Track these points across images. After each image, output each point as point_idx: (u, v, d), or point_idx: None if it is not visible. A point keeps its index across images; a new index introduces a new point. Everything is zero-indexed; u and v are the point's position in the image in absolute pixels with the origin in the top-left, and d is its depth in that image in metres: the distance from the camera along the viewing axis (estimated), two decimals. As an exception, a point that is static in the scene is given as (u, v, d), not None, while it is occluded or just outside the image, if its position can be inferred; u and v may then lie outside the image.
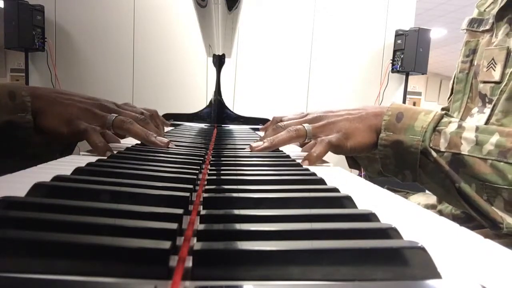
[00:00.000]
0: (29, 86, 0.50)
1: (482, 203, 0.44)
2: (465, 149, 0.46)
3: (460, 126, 0.47)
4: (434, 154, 0.47)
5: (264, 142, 0.55)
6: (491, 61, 0.58)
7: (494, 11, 0.61)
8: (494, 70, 0.57)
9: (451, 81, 0.73)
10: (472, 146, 0.45)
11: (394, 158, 0.51)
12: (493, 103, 0.56)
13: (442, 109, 0.80)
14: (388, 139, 0.50)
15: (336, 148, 0.53)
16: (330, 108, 0.60)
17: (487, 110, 0.57)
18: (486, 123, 0.56)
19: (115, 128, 0.52)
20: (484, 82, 0.59)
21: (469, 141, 0.46)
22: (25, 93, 0.48)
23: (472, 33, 0.67)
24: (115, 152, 0.47)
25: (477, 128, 0.46)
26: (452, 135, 0.47)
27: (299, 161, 0.48)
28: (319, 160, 0.51)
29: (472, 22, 0.68)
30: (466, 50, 0.68)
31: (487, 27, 0.63)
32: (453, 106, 0.69)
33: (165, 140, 0.53)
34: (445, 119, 0.49)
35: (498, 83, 0.56)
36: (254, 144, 0.55)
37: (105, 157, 0.43)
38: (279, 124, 0.59)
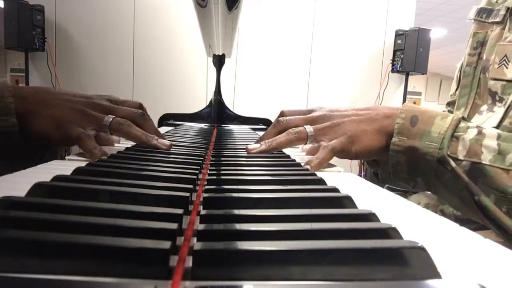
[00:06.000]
0: (14, 86, 0.46)
1: (501, 217, 0.41)
2: (486, 158, 0.42)
3: (480, 133, 0.44)
4: (452, 163, 0.43)
5: (261, 145, 0.51)
6: (503, 57, 0.55)
7: (508, 4, 0.59)
8: (507, 68, 0.54)
9: (457, 73, 0.70)
10: (494, 155, 0.42)
11: (407, 165, 0.47)
12: (505, 104, 0.53)
13: (448, 103, 0.76)
14: (401, 145, 0.46)
15: (340, 153, 0.49)
16: (337, 105, 0.55)
17: (498, 109, 0.55)
18: (499, 124, 0.53)
19: (113, 131, 0.49)
20: (495, 79, 0.56)
21: (491, 150, 0.42)
22: (8, 93, 0.44)
23: (480, 23, 0.64)
24: (115, 152, 0.47)
25: (499, 136, 0.43)
26: (472, 143, 0.43)
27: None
28: (321, 166, 0.48)
29: (480, 12, 0.64)
30: (473, 42, 0.64)
31: (498, 19, 0.60)
32: (459, 101, 0.66)
33: (167, 142, 0.50)
34: (462, 124, 0.45)
35: (510, 81, 0.54)
36: (250, 147, 0.52)
37: (105, 157, 0.43)
38: (280, 119, 0.55)
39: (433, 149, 0.44)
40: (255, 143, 0.54)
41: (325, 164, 0.48)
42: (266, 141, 0.52)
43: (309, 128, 0.51)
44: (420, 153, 0.45)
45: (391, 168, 0.49)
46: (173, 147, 0.53)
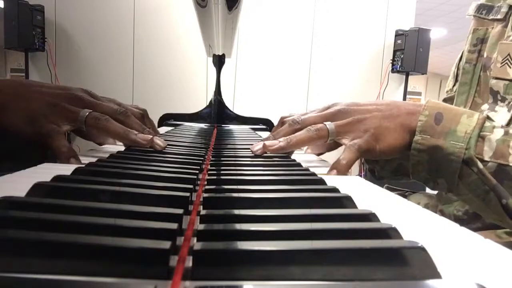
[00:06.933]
0: None
1: None
2: None
3: (507, 133, 0.42)
4: (480, 164, 0.41)
5: (279, 141, 0.47)
6: (506, 56, 0.54)
7: (510, 1, 0.58)
8: (510, 67, 0.53)
9: (454, 69, 0.69)
10: None
11: (429, 165, 0.45)
12: (510, 104, 0.52)
13: (444, 100, 0.74)
14: (424, 143, 0.44)
15: (365, 152, 0.46)
16: (354, 100, 0.52)
17: (500, 109, 0.54)
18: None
19: (89, 127, 0.45)
20: (497, 78, 0.55)
21: None
22: None
23: (480, 20, 0.63)
24: (115, 152, 0.47)
25: None
26: (499, 143, 0.41)
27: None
28: (349, 168, 0.44)
29: (480, 8, 0.63)
30: (473, 39, 0.63)
31: (499, 16, 0.59)
32: (458, 98, 0.65)
33: (148, 137, 0.46)
34: (488, 124, 0.43)
35: None
36: (267, 143, 0.48)
37: (105, 158, 0.42)
38: (295, 119, 0.50)
39: (459, 149, 0.42)
40: (264, 140, 0.50)
41: (352, 165, 0.45)
42: (285, 138, 0.48)
43: (330, 125, 0.47)
44: (444, 152, 0.43)
45: (411, 168, 0.47)
46: (173, 147, 0.52)
